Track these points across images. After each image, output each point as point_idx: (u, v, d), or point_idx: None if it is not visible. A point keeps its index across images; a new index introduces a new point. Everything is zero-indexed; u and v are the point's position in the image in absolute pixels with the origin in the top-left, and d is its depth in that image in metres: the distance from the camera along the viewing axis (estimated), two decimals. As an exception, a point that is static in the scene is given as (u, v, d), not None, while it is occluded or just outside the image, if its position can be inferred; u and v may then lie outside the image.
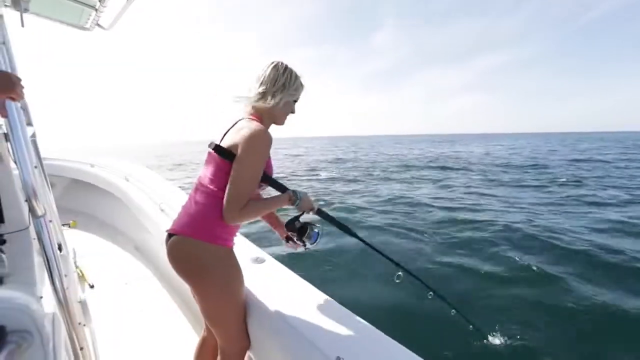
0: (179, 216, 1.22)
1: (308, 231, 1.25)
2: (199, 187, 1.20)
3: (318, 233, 1.27)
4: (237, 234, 1.27)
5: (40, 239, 0.98)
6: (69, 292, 1.04)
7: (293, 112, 1.26)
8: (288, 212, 1.31)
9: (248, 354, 1.28)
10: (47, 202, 1.58)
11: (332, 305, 1.22)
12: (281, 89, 1.17)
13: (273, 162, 1.25)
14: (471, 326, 1.61)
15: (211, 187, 1.15)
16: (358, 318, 1.15)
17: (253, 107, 1.20)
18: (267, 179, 1.19)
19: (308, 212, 1.26)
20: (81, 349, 1.11)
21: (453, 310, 1.48)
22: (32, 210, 0.97)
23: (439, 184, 11.80)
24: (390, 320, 2.77)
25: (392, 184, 11.95)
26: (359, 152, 35.93)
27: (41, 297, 1.00)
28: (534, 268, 4.09)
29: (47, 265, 0.98)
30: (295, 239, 1.29)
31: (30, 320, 0.78)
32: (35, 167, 1.01)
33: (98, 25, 1.84)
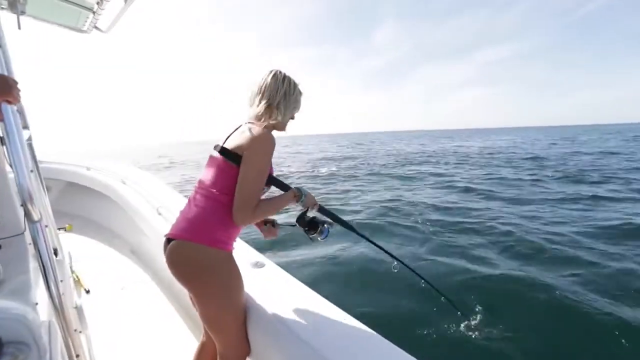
0: (177, 221, 1.21)
1: (320, 227, 1.32)
2: (200, 190, 1.19)
3: (328, 229, 1.34)
4: (237, 238, 1.26)
5: (36, 245, 0.96)
6: (65, 299, 1.02)
7: (293, 118, 1.29)
8: (288, 209, 1.38)
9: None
10: (43, 207, 1.56)
11: (333, 310, 1.21)
12: (283, 98, 1.20)
13: (273, 161, 1.26)
14: (459, 312, 1.87)
15: (213, 190, 1.15)
16: (359, 323, 1.14)
17: (256, 116, 1.22)
18: (270, 179, 1.21)
19: (312, 208, 1.32)
20: (77, 356, 1.09)
21: (443, 298, 1.71)
22: (27, 215, 0.95)
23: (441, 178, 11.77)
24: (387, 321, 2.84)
25: (392, 180, 11.90)
26: (357, 147, 35.66)
27: (36, 304, 0.98)
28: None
29: (42, 271, 0.96)
30: (305, 232, 1.34)
31: (27, 330, 0.76)
32: (31, 171, 0.99)
33: (96, 28, 1.83)
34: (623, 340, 2.68)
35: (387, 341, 1.04)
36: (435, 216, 6.64)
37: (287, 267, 1.57)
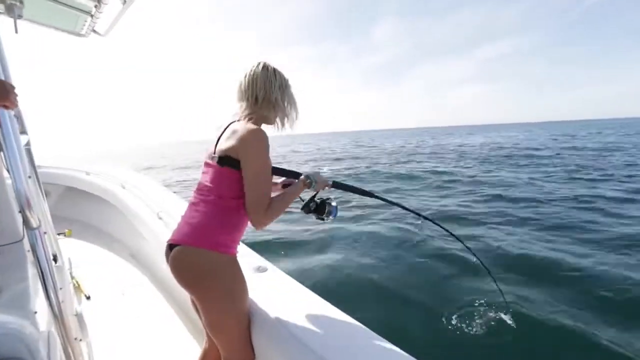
0: (179, 226, 1.19)
1: (327, 208, 1.28)
2: (200, 195, 1.18)
3: (336, 207, 1.30)
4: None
5: (34, 252, 0.95)
6: (65, 306, 1.01)
7: (297, 113, 1.26)
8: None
9: None
10: (42, 212, 1.54)
11: (337, 315, 1.20)
12: (280, 92, 1.17)
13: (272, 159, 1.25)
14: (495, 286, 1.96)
15: (213, 194, 1.14)
16: (365, 328, 1.12)
17: (247, 110, 1.19)
18: (275, 170, 1.20)
19: (324, 189, 1.29)
20: None
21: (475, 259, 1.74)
22: (26, 221, 0.93)
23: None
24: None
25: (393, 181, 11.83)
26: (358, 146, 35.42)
27: (35, 313, 0.96)
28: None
29: (41, 279, 0.95)
30: (315, 218, 1.31)
31: (23, 346, 0.74)
32: (29, 176, 0.97)
33: (94, 31, 1.81)
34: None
35: (393, 346, 1.02)
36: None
37: (290, 271, 1.55)
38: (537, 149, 19.68)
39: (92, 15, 1.64)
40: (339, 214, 1.31)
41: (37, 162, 1.73)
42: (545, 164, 13.33)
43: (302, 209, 1.31)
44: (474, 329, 2.73)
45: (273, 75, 1.17)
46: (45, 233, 0.99)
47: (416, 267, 3.95)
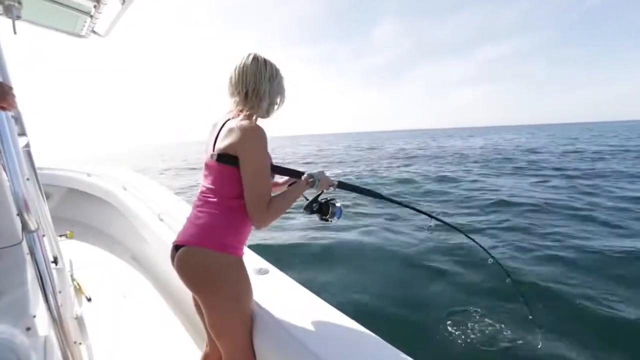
0: (184, 227, 1.18)
1: (331, 209, 1.25)
2: (203, 196, 1.17)
3: (340, 208, 1.27)
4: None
5: (33, 255, 0.93)
6: (64, 310, 0.99)
7: (280, 105, 1.23)
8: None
9: None
10: (42, 215, 1.53)
11: (339, 318, 1.18)
12: (269, 84, 1.14)
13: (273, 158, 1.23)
14: (508, 279, 1.84)
15: (216, 194, 1.12)
16: (366, 331, 1.11)
17: (238, 104, 1.17)
18: (276, 169, 1.18)
19: (328, 189, 1.26)
20: None
21: (490, 259, 1.64)
22: (24, 224, 0.92)
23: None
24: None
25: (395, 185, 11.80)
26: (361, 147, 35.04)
27: (34, 316, 0.95)
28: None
29: (40, 283, 0.93)
30: (318, 219, 1.28)
31: (14, 356, 0.73)
32: (28, 179, 0.96)
33: (94, 32, 1.80)
34: None
35: (396, 350, 1.01)
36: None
37: (291, 273, 1.53)
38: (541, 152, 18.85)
39: (91, 16, 1.63)
40: (343, 215, 1.28)
41: (37, 164, 1.72)
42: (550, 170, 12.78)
43: (304, 209, 1.28)
44: (494, 337, 2.62)
45: (264, 66, 1.14)
46: (44, 235, 0.98)
47: (424, 271, 3.87)
